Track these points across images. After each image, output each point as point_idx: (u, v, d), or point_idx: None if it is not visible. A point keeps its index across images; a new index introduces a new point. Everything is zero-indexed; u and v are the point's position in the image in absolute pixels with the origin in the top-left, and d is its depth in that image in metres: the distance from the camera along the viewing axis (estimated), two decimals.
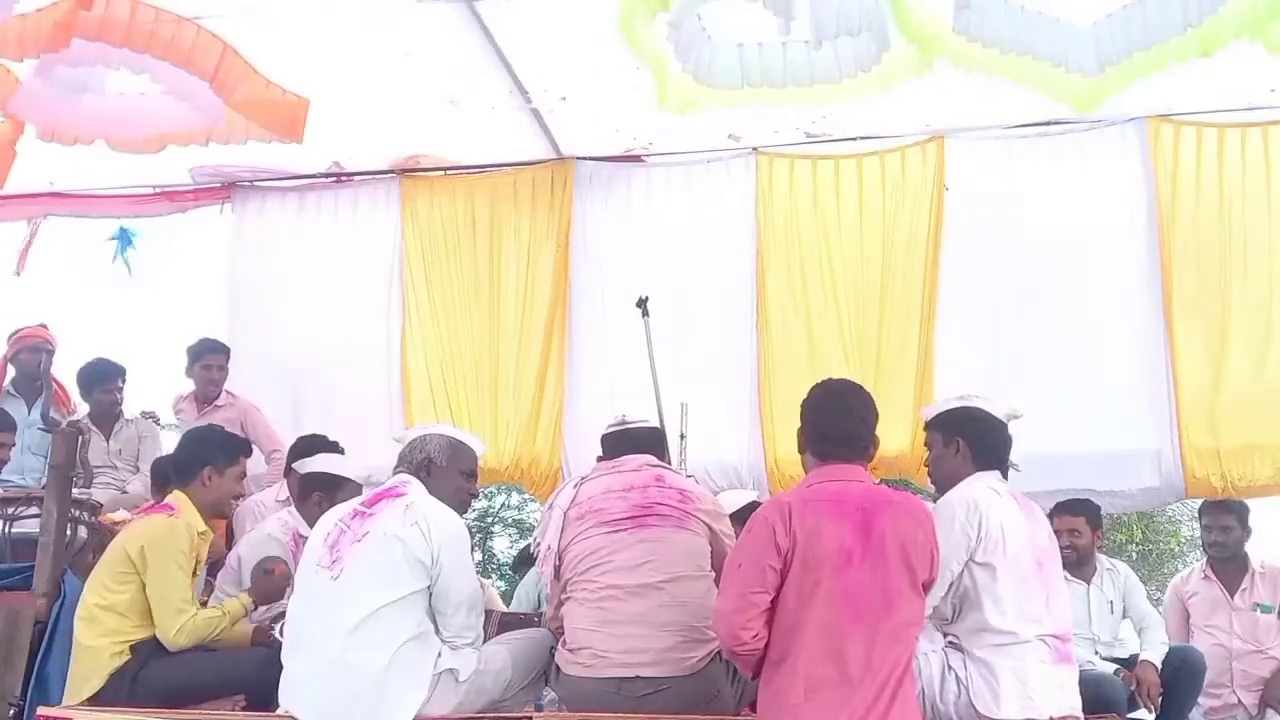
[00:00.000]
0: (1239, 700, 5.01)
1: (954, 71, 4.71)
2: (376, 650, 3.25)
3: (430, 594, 3.38)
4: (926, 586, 3.08)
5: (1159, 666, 4.44)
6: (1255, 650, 5.06)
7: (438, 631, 3.41)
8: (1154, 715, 4.50)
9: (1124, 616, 4.89)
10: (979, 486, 3.44)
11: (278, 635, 3.74)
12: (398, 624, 3.30)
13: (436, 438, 3.71)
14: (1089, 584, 4.85)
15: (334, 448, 4.67)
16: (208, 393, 5.95)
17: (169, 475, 4.53)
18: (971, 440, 3.54)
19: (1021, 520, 3.41)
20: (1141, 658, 4.52)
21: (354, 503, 3.60)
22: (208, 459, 4.04)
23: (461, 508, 3.69)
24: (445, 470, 3.65)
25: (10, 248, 6.55)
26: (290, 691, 3.35)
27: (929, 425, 3.66)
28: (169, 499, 4.02)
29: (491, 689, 3.49)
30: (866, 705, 2.85)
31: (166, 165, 5.87)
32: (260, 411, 6.00)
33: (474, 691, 3.42)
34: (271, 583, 3.97)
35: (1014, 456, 4.02)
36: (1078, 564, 4.81)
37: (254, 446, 5.94)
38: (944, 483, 3.55)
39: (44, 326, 5.96)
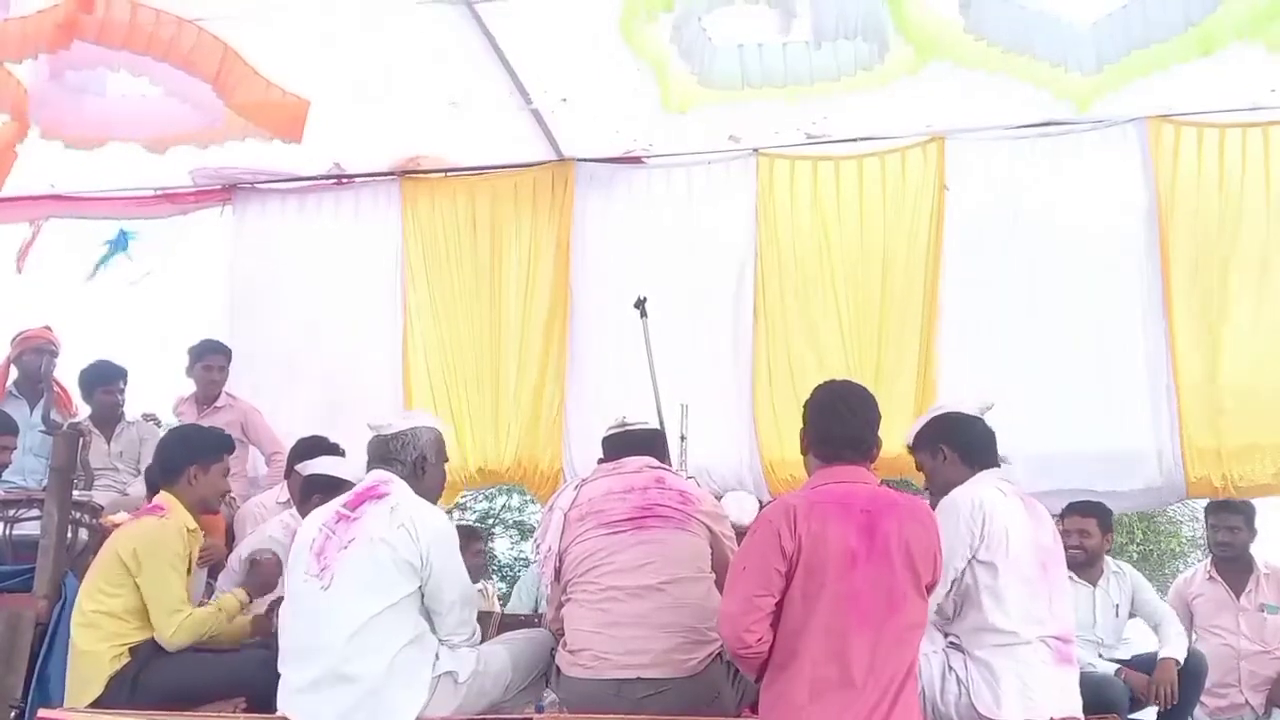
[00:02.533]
0: (1246, 700, 5.01)
1: (954, 72, 4.71)
2: (375, 658, 3.23)
3: (422, 594, 3.35)
4: (930, 589, 3.07)
5: (1180, 661, 4.42)
6: (1262, 651, 5.06)
7: (434, 630, 3.39)
8: (1158, 715, 4.50)
9: (1130, 618, 4.89)
10: (984, 485, 3.45)
11: (276, 622, 3.73)
12: (394, 629, 3.27)
13: (426, 432, 3.61)
14: (1095, 586, 4.85)
15: (335, 450, 4.66)
16: (208, 394, 5.94)
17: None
18: (954, 444, 3.58)
19: (1026, 520, 3.41)
20: (1162, 655, 4.49)
21: (336, 505, 3.49)
22: (192, 458, 4.02)
23: (440, 493, 3.67)
24: (435, 466, 3.60)
25: (13, 249, 6.56)
26: (288, 700, 3.32)
27: (911, 449, 3.70)
28: (157, 500, 4.01)
29: (491, 690, 3.48)
30: (870, 707, 2.85)
31: (167, 167, 5.88)
32: (260, 414, 5.99)
33: (474, 693, 3.41)
34: (261, 572, 3.97)
35: (1015, 457, 4.04)
36: (1085, 565, 4.82)
37: (253, 448, 5.98)
38: (945, 492, 3.55)
39: (48, 329, 5.95)
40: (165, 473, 4.06)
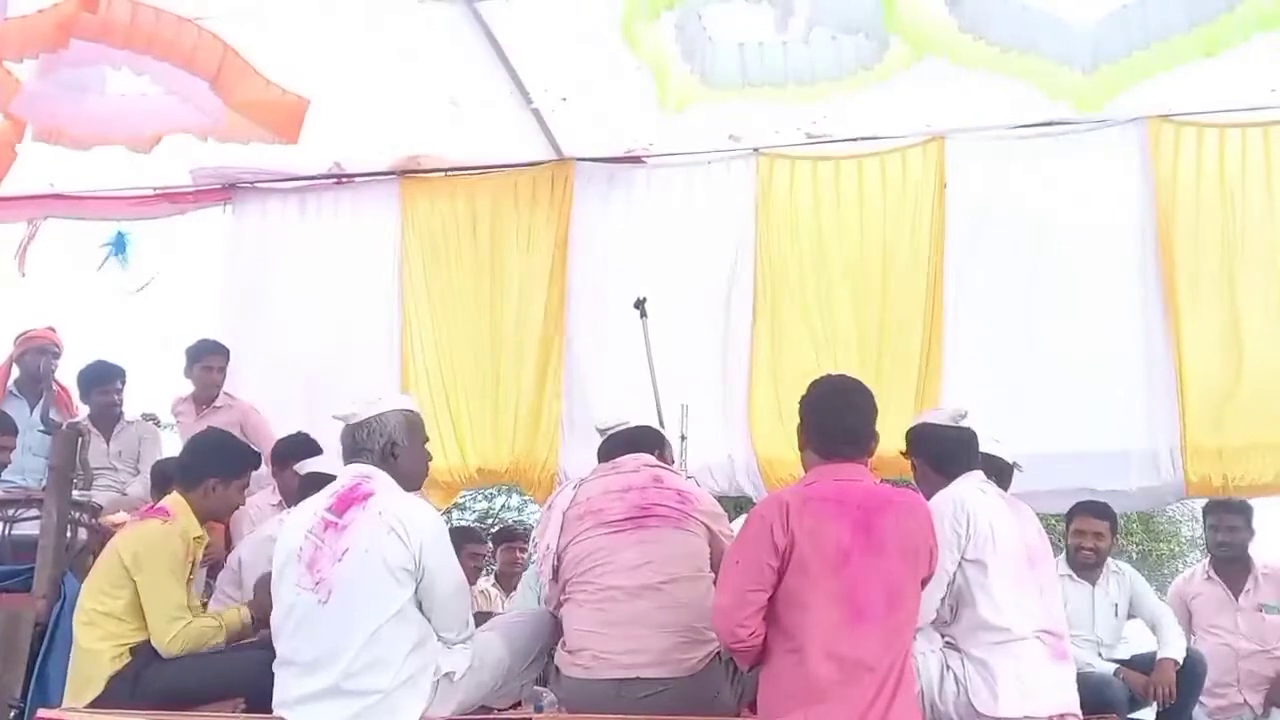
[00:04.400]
0: (1245, 700, 5.01)
1: (954, 71, 4.70)
2: (382, 671, 3.20)
3: (418, 592, 3.31)
4: (924, 583, 3.09)
5: (1179, 662, 4.43)
6: (1261, 650, 5.06)
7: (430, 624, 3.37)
8: (1156, 715, 4.50)
9: (1129, 618, 4.89)
10: (965, 486, 3.49)
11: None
12: (399, 639, 3.23)
13: (394, 415, 3.47)
14: (1094, 586, 4.85)
15: (315, 447, 4.66)
16: (207, 394, 5.94)
17: (170, 477, 4.50)
18: (922, 456, 3.66)
19: (1010, 517, 3.45)
20: (1161, 655, 4.50)
21: (319, 509, 3.36)
22: (216, 470, 3.97)
23: (425, 474, 3.62)
24: (408, 449, 3.49)
25: (12, 249, 6.55)
26: (289, 708, 3.28)
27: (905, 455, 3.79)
28: (165, 502, 3.98)
29: (489, 681, 3.47)
30: (867, 702, 2.85)
31: (166, 167, 5.89)
32: (259, 414, 5.97)
33: (472, 687, 3.40)
34: (268, 597, 3.93)
35: (1015, 456, 4.05)
36: (1094, 566, 4.82)
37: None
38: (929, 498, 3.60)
39: (52, 329, 5.95)
40: (185, 475, 4.00)
